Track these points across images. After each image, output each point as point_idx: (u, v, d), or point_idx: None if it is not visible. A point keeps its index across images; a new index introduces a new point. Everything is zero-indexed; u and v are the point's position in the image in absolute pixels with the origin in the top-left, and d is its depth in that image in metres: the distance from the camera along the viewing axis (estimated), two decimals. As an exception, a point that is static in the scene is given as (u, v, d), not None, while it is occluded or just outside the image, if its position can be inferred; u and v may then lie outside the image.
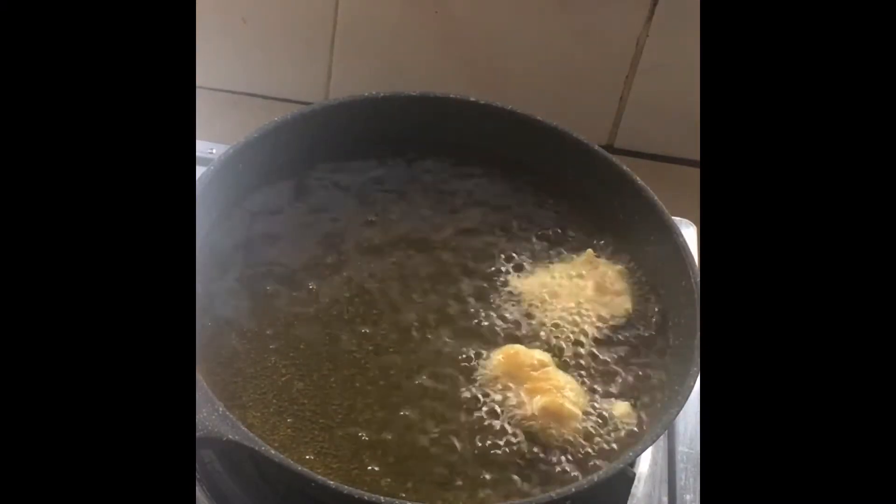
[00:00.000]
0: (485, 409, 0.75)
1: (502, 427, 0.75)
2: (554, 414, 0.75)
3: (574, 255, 0.88)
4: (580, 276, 0.85)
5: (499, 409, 0.75)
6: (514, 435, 0.74)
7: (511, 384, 0.77)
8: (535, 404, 0.75)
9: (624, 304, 0.84)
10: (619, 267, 0.86)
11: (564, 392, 0.76)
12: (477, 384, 0.77)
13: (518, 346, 0.79)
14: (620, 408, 0.76)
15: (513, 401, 0.76)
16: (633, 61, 1.12)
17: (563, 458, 0.74)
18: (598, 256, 0.87)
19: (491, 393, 0.76)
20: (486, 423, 0.75)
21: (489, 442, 0.74)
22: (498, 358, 0.78)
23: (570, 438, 0.75)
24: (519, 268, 0.87)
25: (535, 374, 0.77)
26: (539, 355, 0.78)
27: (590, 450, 0.74)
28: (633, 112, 1.16)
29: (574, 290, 0.84)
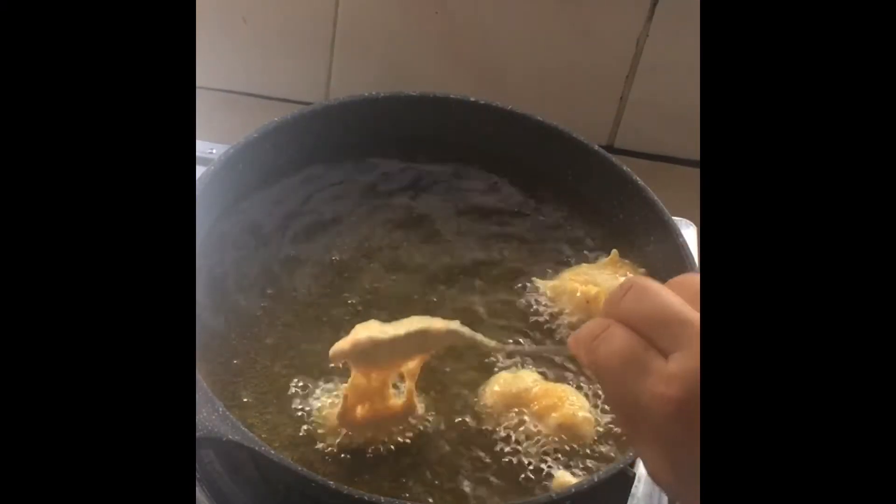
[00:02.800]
0: (498, 436, 0.75)
1: (511, 437, 0.75)
2: (570, 427, 0.75)
3: (577, 257, 0.88)
4: (601, 276, 0.84)
5: (512, 436, 0.75)
6: (524, 451, 0.74)
7: (515, 412, 0.76)
8: (549, 424, 0.75)
9: None
10: (642, 270, 0.86)
11: (571, 401, 0.76)
12: (481, 404, 0.76)
13: (504, 375, 0.77)
14: (561, 477, 0.73)
15: (525, 426, 0.75)
16: (633, 61, 1.12)
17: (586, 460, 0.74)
18: (623, 259, 0.86)
19: (497, 425, 0.75)
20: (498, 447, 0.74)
21: (493, 448, 0.74)
22: (494, 389, 0.76)
23: (592, 441, 0.75)
24: (523, 269, 0.87)
25: (533, 393, 0.76)
26: (526, 375, 0.77)
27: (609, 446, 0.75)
28: (633, 112, 1.15)
29: (591, 293, 0.83)
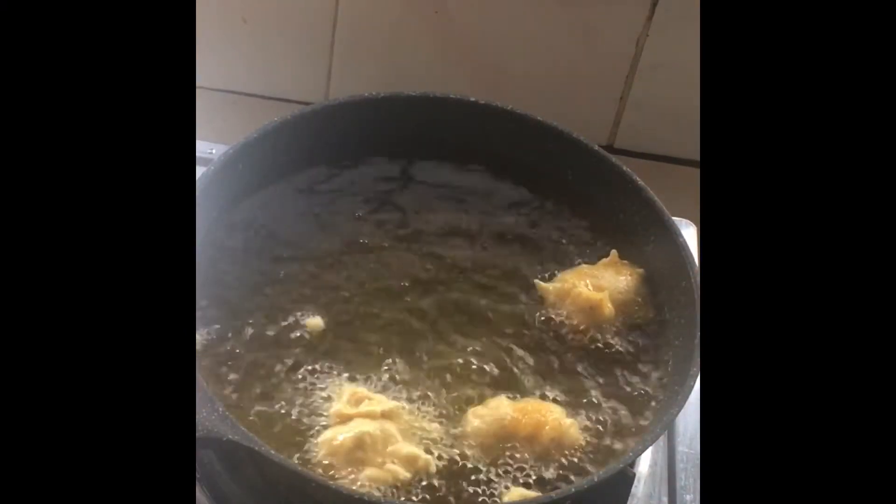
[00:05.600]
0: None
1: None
2: (561, 437, 0.74)
3: (577, 257, 0.88)
4: (601, 277, 0.85)
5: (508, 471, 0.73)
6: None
7: (507, 446, 0.74)
8: (542, 443, 0.73)
9: (644, 308, 0.84)
10: (640, 270, 0.86)
11: (549, 410, 0.75)
12: (466, 444, 0.74)
13: (478, 410, 0.75)
14: (514, 493, 0.71)
15: (519, 457, 0.74)
16: (633, 61, 1.12)
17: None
18: (621, 259, 0.86)
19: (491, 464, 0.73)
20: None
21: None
22: (475, 427, 0.74)
23: (583, 442, 0.75)
24: (524, 270, 0.87)
25: (513, 418, 0.74)
26: (497, 402, 0.76)
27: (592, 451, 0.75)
28: (633, 112, 1.15)
29: (591, 292, 0.83)
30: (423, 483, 0.71)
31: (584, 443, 0.75)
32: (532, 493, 0.71)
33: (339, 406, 0.73)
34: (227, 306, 0.80)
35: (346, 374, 0.76)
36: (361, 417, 0.72)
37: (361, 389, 0.74)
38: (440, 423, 0.75)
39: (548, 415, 0.74)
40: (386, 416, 0.73)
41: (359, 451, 0.70)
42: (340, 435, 0.71)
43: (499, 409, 0.75)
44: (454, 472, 0.72)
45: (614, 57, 1.12)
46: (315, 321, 0.80)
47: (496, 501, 0.71)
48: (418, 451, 0.71)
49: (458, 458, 0.73)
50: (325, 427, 0.72)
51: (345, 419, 0.72)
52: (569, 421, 0.75)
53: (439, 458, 0.72)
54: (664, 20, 1.08)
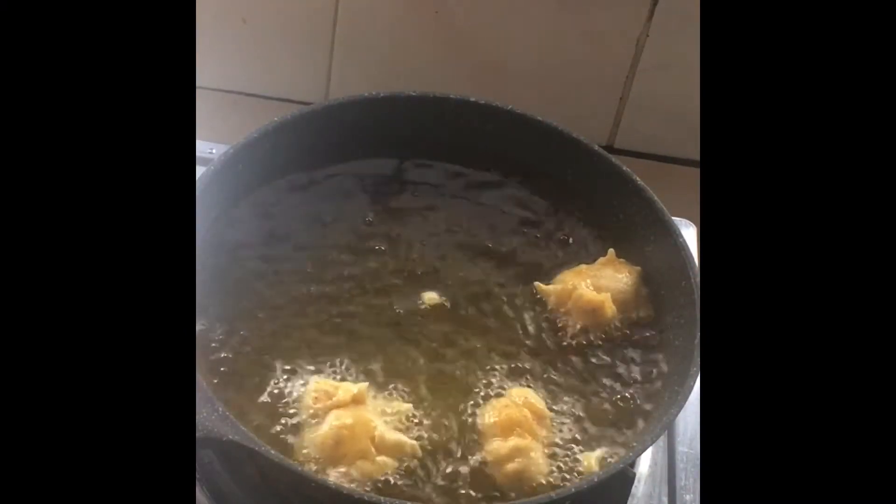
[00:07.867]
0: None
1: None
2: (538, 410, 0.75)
3: (577, 257, 0.88)
4: (601, 276, 0.85)
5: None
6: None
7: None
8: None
9: (643, 308, 0.85)
10: (637, 268, 0.86)
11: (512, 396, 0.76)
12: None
13: (498, 449, 0.74)
14: (590, 458, 0.73)
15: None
16: (633, 61, 1.12)
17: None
18: (619, 258, 0.86)
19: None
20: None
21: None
22: (505, 471, 0.73)
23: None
24: (524, 270, 0.87)
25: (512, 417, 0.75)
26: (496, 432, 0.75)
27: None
28: (633, 112, 1.16)
29: (593, 293, 0.83)
30: (418, 468, 0.72)
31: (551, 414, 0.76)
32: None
33: (308, 401, 0.73)
34: (225, 306, 0.80)
35: (339, 371, 0.77)
36: (334, 409, 0.72)
37: (325, 381, 0.74)
38: (412, 402, 0.75)
39: (519, 399, 0.75)
40: (357, 400, 0.73)
41: (341, 446, 0.70)
42: (319, 431, 0.71)
43: (497, 445, 0.74)
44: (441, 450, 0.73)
45: (614, 57, 1.12)
46: (313, 320, 0.80)
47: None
48: (403, 438, 0.72)
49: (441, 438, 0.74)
50: (307, 424, 0.73)
51: (319, 413, 0.72)
52: (527, 390, 0.76)
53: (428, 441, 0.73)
54: (664, 20, 1.08)
